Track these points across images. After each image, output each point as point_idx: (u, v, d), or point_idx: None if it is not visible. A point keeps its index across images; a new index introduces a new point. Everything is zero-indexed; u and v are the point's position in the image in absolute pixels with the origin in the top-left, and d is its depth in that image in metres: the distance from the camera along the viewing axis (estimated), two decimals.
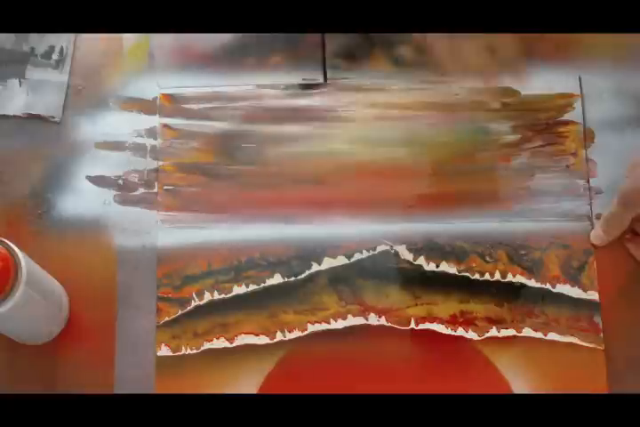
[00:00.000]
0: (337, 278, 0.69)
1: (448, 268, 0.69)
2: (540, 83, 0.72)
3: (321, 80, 0.73)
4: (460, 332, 0.68)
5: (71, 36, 0.74)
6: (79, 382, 0.66)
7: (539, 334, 0.67)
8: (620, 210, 0.67)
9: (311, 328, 0.68)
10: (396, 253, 0.69)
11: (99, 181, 0.71)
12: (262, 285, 0.69)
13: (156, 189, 0.71)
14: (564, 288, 0.68)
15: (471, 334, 0.68)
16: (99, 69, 0.73)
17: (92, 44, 0.74)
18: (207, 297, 0.68)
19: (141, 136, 0.72)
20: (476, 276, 0.69)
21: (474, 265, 0.69)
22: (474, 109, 0.72)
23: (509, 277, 0.69)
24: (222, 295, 0.68)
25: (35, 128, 0.72)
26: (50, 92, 0.72)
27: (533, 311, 0.68)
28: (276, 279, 0.69)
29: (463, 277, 0.69)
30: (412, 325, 0.68)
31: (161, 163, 0.71)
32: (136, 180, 0.71)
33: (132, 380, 0.66)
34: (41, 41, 0.74)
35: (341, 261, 0.69)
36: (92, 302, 0.68)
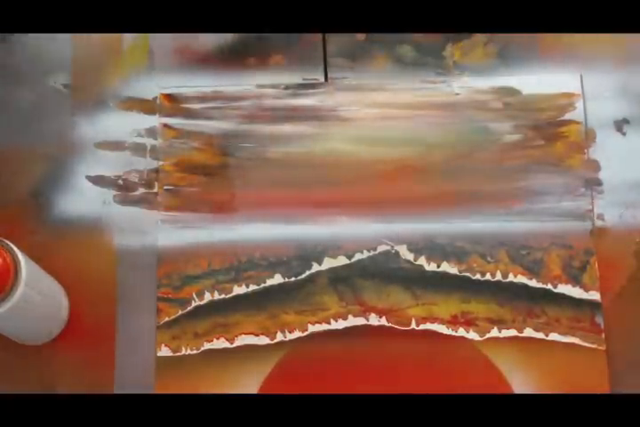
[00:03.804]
0: (337, 279, 0.69)
1: (449, 268, 0.69)
2: (542, 82, 0.72)
3: (322, 80, 0.73)
4: (461, 332, 0.67)
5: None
6: (79, 382, 0.66)
7: (540, 335, 0.67)
8: None
9: (311, 329, 0.68)
10: (397, 254, 0.69)
11: (99, 180, 0.71)
12: (262, 285, 0.69)
13: (155, 189, 0.71)
14: (566, 288, 0.68)
15: (472, 335, 0.67)
16: (99, 69, 0.73)
17: (92, 44, 0.74)
18: (207, 297, 0.68)
19: (141, 136, 0.72)
20: (477, 276, 0.69)
21: (475, 265, 0.69)
22: (474, 109, 0.72)
23: (510, 278, 0.69)
24: (222, 295, 0.68)
25: (35, 128, 0.72)
26: None
27: (534, 312, 0.68)
28: (277, 279, 0.69)
29: (464, 277, 0.69)
30: (413, 325, 0.68)
31: (161, 163, 0.71)
32: (136, 180, 0.71)
33: (132, 380, 0.66)
34: None
35: (342, 261, 0.69)
36: (92, 302, 0.68)
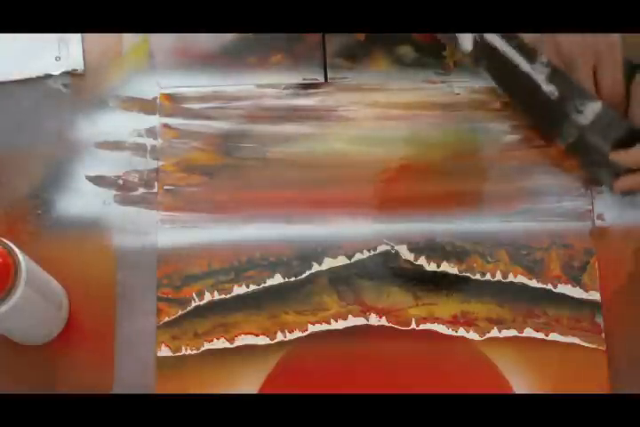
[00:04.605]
0: (337, 279, 0.69)
1: (449, 268, 0.69)
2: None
3: (322, 80, 0.73)
4: (461, 332, 0.67)
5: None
6: (79, 383, 0.66)
7: (540, 335, 0.67)
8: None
9: (312, 329, 0.68)
10: (397, 254, 0.69)
11: (98, 181, 0.71)
12: (263, 285, 0.68)
13: (155, 189, 0.71)
14: (566, 288, 0.68)
15: (472, 335, 0.67)
16: (99, 69, 0.73)
17: (92, 44, 0.74)
18: (207, 297, 0.68)
19: (141, 136, 0.72)
20: (477, 276, 0.69)
21: (475, 265, 0.69)
22: (474, 109, 0.72)
23: (510, 278, 0.69)
24: (222, 295, 0.68)
25: (35, 128, 0.72)
26: None
27: (534, 312, 0.68)
28: (277, 279, 0.69)
29: (464, 277, 0.69)
30: (413, 325, 0.68)
31: (161, 163, 0.71)
32: (136, 180, 0.71)
33: (132, 380, 0.66)
34: None
35: (342, 261, 0.69)
36: (92, 302, 0.68)
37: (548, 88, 0.66)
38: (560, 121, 0.67)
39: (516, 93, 0.70)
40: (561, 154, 0.70)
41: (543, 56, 0.66)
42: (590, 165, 0.68)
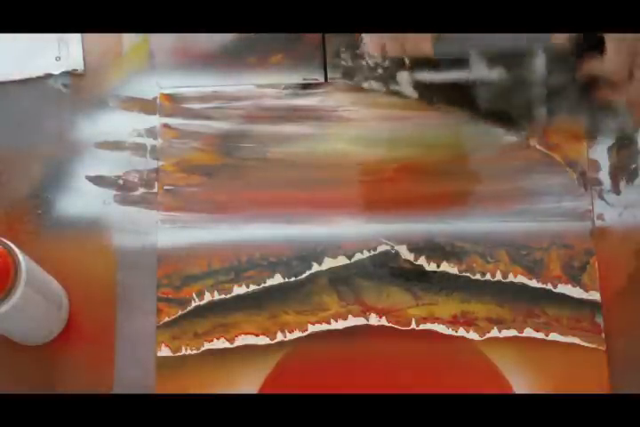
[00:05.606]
0: (337, 279, 0.69)
1: (449, 268, 0.69)
2: None
3: (322, 80, 0.73)
4: (461, 332, 0.67)
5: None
6: (79, 383, 0.66)
7: (540, 335, 0.67)
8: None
9: (311, 329, 0.68)
10: (397, 254, 0.69)
11: (98, 180, 0.71)
12: (262, 285, 0.69)
13: (155, 189, 0.71)
14: (566, 288, 0.68)
15: (472, 335, 0.67)
16: (99, 69, 0.73)
17: (92, 43, 0.74)
18: (207, 297, 0.68)
19: (141, 136, 0.72)
20: (477, 276, 0.69)
21: (475, 265, 0.69)
22: None
23: (510, 278, 0.69)
24: (222, 295, 0.68)
25: (35, 128, 0.72)
26: None
27: (534, 312, 0.68)
28: (277, 279, 0.69)
29: (464, 277, 0.69)
30: (413, 325, 0.68)
31: (161, 163, 0.71)
32: (136, 180, 0.71)
33: (132, 380, 0.66)
34: None
35: (342, 261, 0.69)
36: (91, 302, 0.68)
37: (496, 73, 0.65)
38: (527, 102, 0.65)
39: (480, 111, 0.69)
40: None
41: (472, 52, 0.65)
42: (584, 110, 0.66)
